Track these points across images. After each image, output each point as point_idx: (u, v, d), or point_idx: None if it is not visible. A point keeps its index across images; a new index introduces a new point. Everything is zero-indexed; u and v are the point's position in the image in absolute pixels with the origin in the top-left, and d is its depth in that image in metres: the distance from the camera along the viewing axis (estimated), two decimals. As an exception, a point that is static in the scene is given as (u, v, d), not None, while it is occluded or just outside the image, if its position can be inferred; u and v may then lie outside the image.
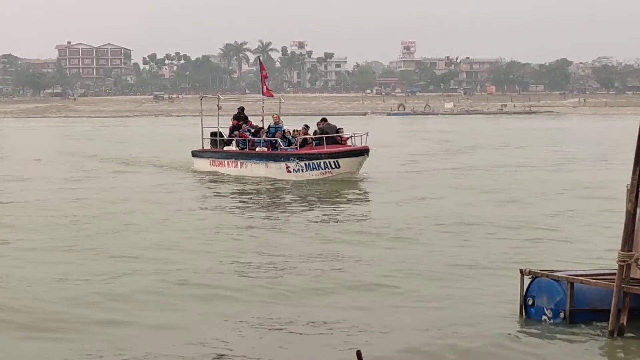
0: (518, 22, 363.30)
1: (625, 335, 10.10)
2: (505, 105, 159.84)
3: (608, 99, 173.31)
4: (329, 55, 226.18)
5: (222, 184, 30.15)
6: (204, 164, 34.67)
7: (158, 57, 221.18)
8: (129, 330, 10.86)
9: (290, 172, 30.40)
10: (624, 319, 10.12)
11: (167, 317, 11.48)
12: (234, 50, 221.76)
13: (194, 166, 35.35)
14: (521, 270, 11.31)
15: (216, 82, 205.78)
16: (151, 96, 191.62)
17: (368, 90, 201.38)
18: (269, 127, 32.62)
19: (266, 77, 36.08)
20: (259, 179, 30.60)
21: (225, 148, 34.27)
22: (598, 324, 10.41)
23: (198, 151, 35.95)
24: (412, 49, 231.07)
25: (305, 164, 30.10)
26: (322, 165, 29.82)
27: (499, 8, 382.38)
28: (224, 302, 12.26)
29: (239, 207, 23.69)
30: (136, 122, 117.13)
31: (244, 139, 33.19)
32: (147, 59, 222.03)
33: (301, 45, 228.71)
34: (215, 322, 11.23)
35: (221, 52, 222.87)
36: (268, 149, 32.00)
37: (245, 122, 33.97)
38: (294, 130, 31.97)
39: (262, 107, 35.29)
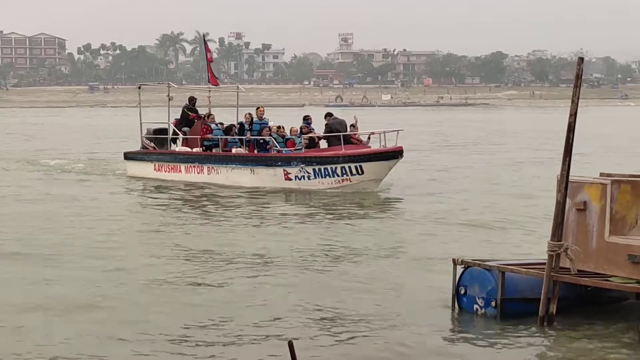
0: (454, 16, 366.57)
1: (554, 323, 10.24)
2: (442, 98, 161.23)
3: (542, 91, 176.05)
4: (266, 47, 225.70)
5: (180, 196, 24.12)
6: (144, 169, 28.11)
7: (93, 47, 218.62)
8: None
9: (290, 179, 24.56)
10: (553, 308, 10.26)
11: None
12: (170, 41, 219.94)
13: (127, 172, 28.84)
14: (454, 260, 11.39)
15: (152, 73, 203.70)
16: (86, 87, 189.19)
17: (306, 82, 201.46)
18: (251, 122, 26.01)
19: (211, 62, 30.74)
20: (241, 189, 24.59)
21: (177, 149, 27.83)
22: (528, 312, 10.50)
23: (136, 152, 29.04)
24: (349, 41, 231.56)
25: (314, 170, 24.17)
26: (338, 171, 23.97)
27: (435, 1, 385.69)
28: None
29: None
30: (70, 112, 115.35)
31: (208, 140, 26.70)
32: (82, 49, 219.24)
33: (238, 36, 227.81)
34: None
35: (157, 42, 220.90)
36: (251, 150, 25.86)
37: (198, 116, 27.97)
38: (278, 127, 25.71)
39: (209, 97, 29.56)
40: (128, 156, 29.17)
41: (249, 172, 25.27)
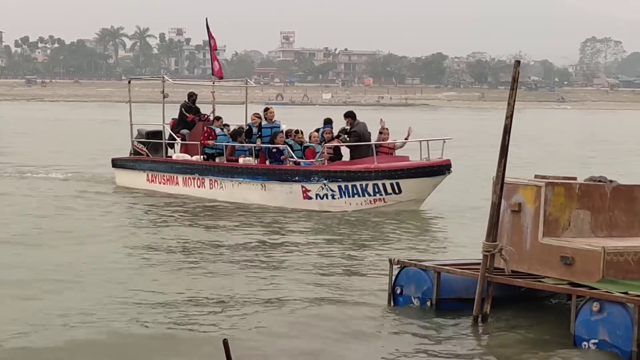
0: (396, 17, 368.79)
1: (488, 322, 10.36)
2: (382, 97, 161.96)
3: (481, 92, 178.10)
4: (207, 43, 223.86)
5: (173, 215, 19.74)
6: (135, 179, 24.14)
7: (31, 40, 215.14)
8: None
9: (309, 198, 20.20)
10: (487, 307, 10.39)
11: None
12: (110, 35, 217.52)
13: (116, 181, 24.95)
14: (390, 260, 11.48)
15: (92, 67, 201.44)
16: (23, 80, 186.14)
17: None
18: (259, 126, 21.47)
19: (215, 49, 26.56)
20: (249, 209, 20.46)
21: (175, 157, 23.68)
22: (463, 312, 10.60)
23: (126, 159, 24.88)
24: (291, 39, 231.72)
25: (340, 187, 19.86)
26: (370, 189, 19.73)
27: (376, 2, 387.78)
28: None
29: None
30: (5, 106, 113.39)
31: (210, 147, 22.24)
32: (20, 41, 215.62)
33: (179, 32, 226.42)
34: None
35: (97, 36, 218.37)
36: (262, 161, 21.34)
37: (199, 117, 24.08)
38: (296, 132, 21.22)
39: (213, 92, 25.15)
40: (117, 163, 25.09)
41: (259, 187, 21.01)
